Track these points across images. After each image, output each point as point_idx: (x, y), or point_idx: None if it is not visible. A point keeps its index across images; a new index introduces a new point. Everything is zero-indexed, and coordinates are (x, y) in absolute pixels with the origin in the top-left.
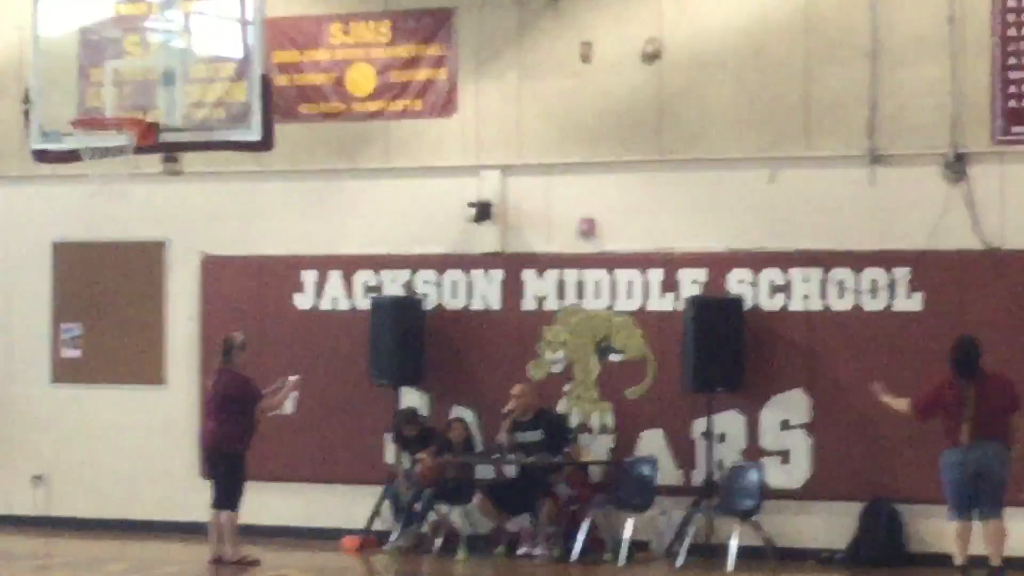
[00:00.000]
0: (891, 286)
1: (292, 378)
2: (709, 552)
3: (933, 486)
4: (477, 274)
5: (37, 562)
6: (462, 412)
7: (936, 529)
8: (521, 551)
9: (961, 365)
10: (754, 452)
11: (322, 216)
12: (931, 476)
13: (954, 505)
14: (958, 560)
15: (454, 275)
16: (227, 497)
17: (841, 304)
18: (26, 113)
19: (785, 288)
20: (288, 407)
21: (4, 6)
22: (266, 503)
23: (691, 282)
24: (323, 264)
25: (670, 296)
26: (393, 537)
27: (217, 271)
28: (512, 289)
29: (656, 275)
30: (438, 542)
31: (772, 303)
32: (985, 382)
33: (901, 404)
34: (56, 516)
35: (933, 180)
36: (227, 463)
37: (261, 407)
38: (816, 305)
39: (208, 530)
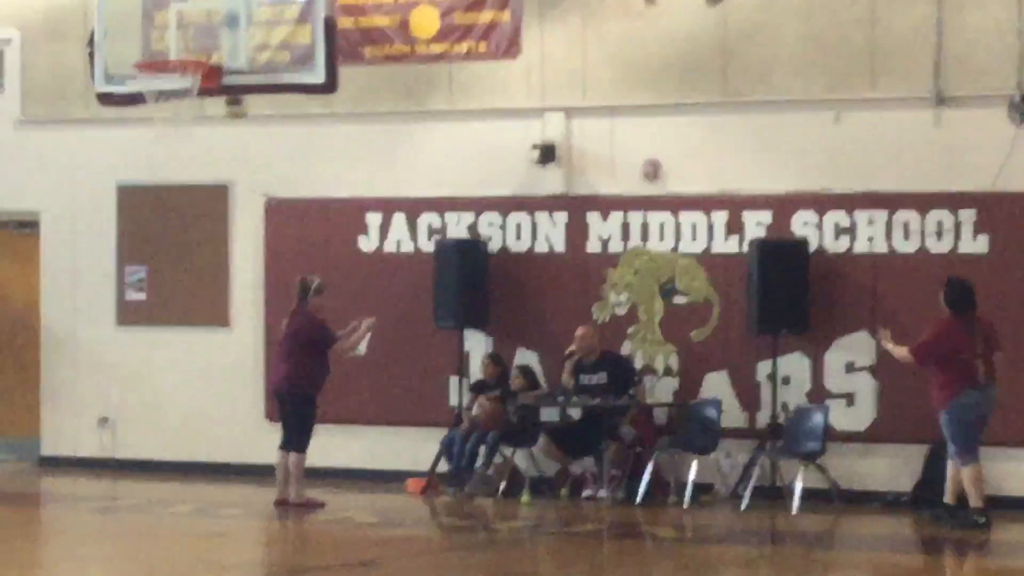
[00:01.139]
0: (956, 228)
1: (366, 320)
2: (773, 494)
3: (998, 427)
4: (541, 216)
5: (103, 504)
6: (526, 354)
7: (1001, 471)
8: (585, 494)
9: (963, 304)
10: (819, 394)
11: (386, 159)
12: (995, 417)
13: (970, 447)
14: (977, 502)
15: (518, 217)
16: (296, 439)
17: (906, 246)
18: (91, 56)
19: (850, 230)
20: (361, 349)
21: None
22: (330, 446)
23: (755, 224)
24: (387, 207)
25: (734, 238)
26: (456, 481)
27: (281, 214)
28: (576, 231)
29: (720, 217)
30: (502, 485)
31: (837, 245)
32: (979, 322)
33: (901, 351)
34: (122, 458)
35: (998, 122)
36: (298, 405)
37: (335, 349)
38: (881, 247)
39: (275, 472)
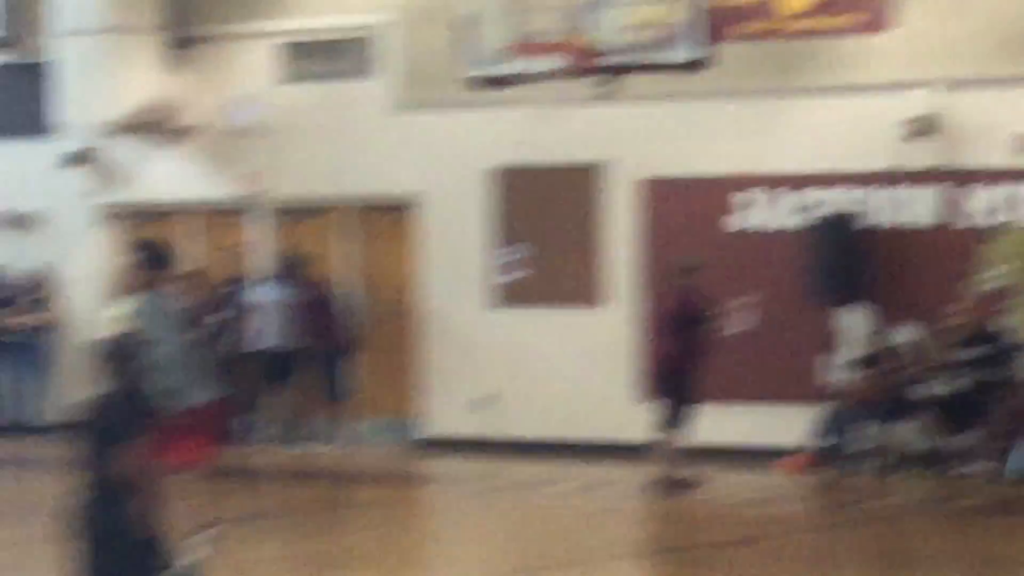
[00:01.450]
0: None
1: (746, 298)
2: None
3: None
4: (913, 190)
5: (483, 484)
6: (901, 330)
7: None
8: (964, 469)
9: None
10: None
11: (758, 135)
12: None
13: None
14: None
15: (890, 192)
16: (673, 418)
17: None
18: (464, 40)
19: None
20: (742, 326)
21: None
22: (707, 424)
23: None
24: (759, 183)
25: None
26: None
27: (655, 193)
28: (950, 205)
29: None
30: (881, 461)
31: None
32: None
33: None
34: (499, 439)
35: None
36: (677, 384)
37: (714, 327)
38: None
39: (654, 450)
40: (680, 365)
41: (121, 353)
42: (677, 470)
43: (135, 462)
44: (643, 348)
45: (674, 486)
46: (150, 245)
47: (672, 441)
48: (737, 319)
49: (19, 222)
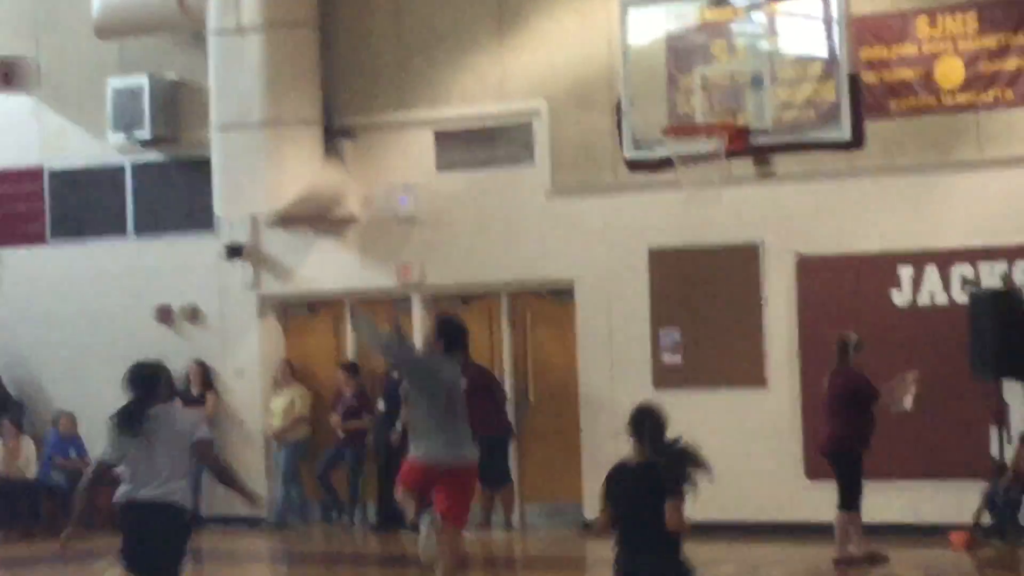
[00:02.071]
0: None
1: (910, 374)
2: None
3: None
4: None
5: None
6: None
7: None
8: None
9: None
10: None
11: (916, 211)
12: None
13: None
14: None
15: None
16: (848, 497)
17: None
18: (618, 123)
19: None
20: (907, 404)
21: (593, 19)
22: (874, 501)
23: None
24: (919, 259)
25: None
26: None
27: (812, 270)
28: None
29: None
30: None
31: None
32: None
33: None
34: None
35: None
36: (847, 463)
37: (880, 404)
38: None
39: (834, 530)
40: (849, 444)
41: (656, 420)
42: (860, 548)
43: (681, 515)
44: (809, 427)
45: (858, 564)
46: (447, 322)
47: (851, 519)
48: (901, 396)
49: (185, 315)
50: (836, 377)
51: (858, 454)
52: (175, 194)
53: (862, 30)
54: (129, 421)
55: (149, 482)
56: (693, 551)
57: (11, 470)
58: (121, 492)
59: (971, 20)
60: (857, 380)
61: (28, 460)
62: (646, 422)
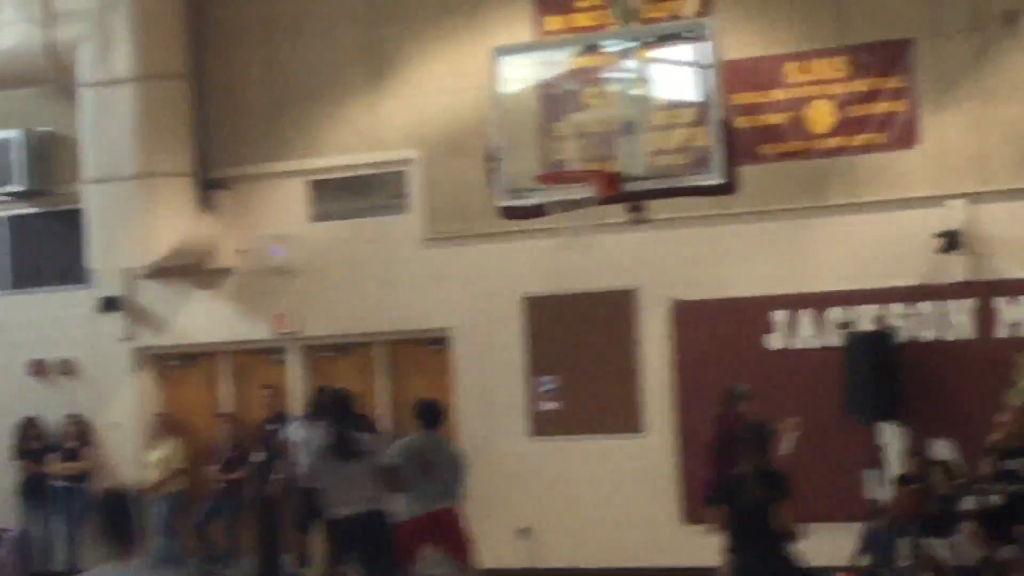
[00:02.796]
0: None
1: (791, 420)
2: None
3: None
4: (949, 304)
5: None
6: (940, 444)
7: None
8: None
9: None
10: None
11: (790, 255)
12: None
13: None
14: None
15: (925, 306)
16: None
17: None
18: (490, 172)
19: None
20: (786, 448)
21: (465, 68)
22: None
23: None
24: (793, 303)
25: None
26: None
27: (688, 315)
28: (985, 317)
29: None
30: None
31: None
32: None
33: None
34: (542, 568)
35: None
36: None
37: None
38: None
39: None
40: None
41: (761, 435)
42: None
43: (787, 516)
44: (686, 472)
45: None
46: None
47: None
48: (784, 440)
49: (60, 369)
50: (723, 422)
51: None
52: (50, 247)
53: (734, 75)
54: None
55: None
56: None
57: None
58: None
59: (842, 64)
60: (737, 426)
61: None
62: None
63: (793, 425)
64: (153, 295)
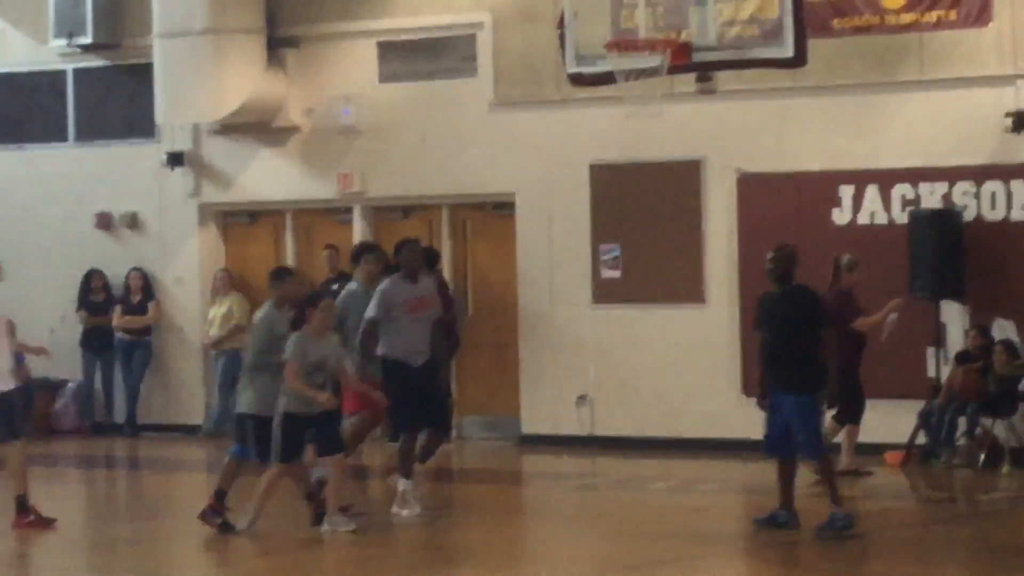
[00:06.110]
0: None
1: (894, 301)
2: None
3: None
4: (1016, 184)
5: (584, 481)
6: (1003, 324)
7: None
8: None
9: None
10: None
11: (858, 130)
12: None
13: None
14: None
15: (992, 186)
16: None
17: None
18: (561, 37)
19: None
20: (888, 329)
21: None
22: None
23: None
24: (860, 178)
25: None
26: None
27: (753, 188)
28: None
29: None
30: (982, 456)
31: None
32: None
33: None
34: (600, 435)
35: None
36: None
37: (858, 324)
38: None
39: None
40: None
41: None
42: (850, 459)
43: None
44: (747, 344)
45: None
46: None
47: (848, 433)
48: (883, 317)
49: (125, 222)
50: (826, 295)
51: (852, 368)
52: (116, 101)
53: None
54: None
55: None
56: (628, 466)
57: None
58: None
59: None
60: (844, 299)
61: None
62: None
63: (895, 306)
64: (220, 151)
